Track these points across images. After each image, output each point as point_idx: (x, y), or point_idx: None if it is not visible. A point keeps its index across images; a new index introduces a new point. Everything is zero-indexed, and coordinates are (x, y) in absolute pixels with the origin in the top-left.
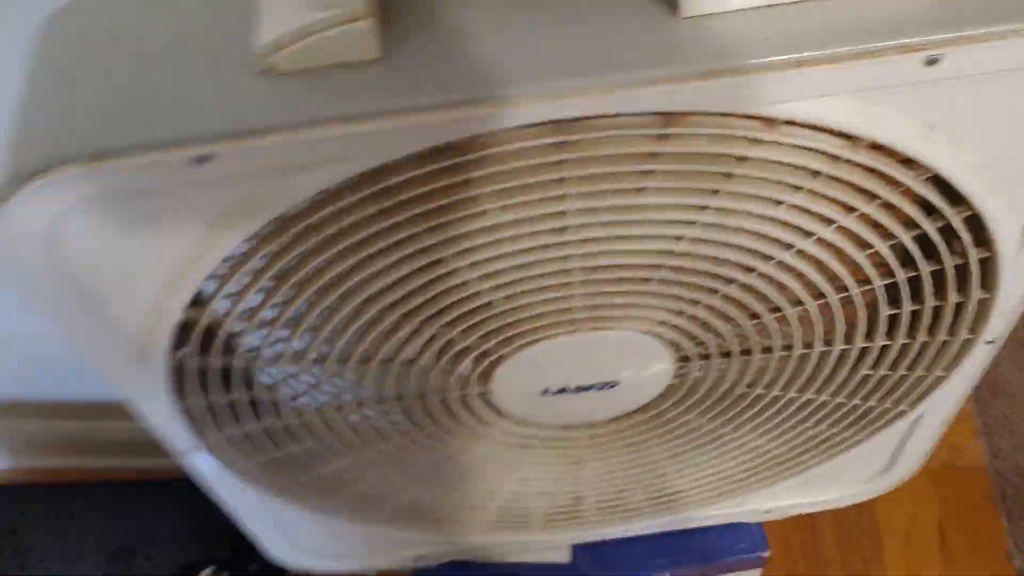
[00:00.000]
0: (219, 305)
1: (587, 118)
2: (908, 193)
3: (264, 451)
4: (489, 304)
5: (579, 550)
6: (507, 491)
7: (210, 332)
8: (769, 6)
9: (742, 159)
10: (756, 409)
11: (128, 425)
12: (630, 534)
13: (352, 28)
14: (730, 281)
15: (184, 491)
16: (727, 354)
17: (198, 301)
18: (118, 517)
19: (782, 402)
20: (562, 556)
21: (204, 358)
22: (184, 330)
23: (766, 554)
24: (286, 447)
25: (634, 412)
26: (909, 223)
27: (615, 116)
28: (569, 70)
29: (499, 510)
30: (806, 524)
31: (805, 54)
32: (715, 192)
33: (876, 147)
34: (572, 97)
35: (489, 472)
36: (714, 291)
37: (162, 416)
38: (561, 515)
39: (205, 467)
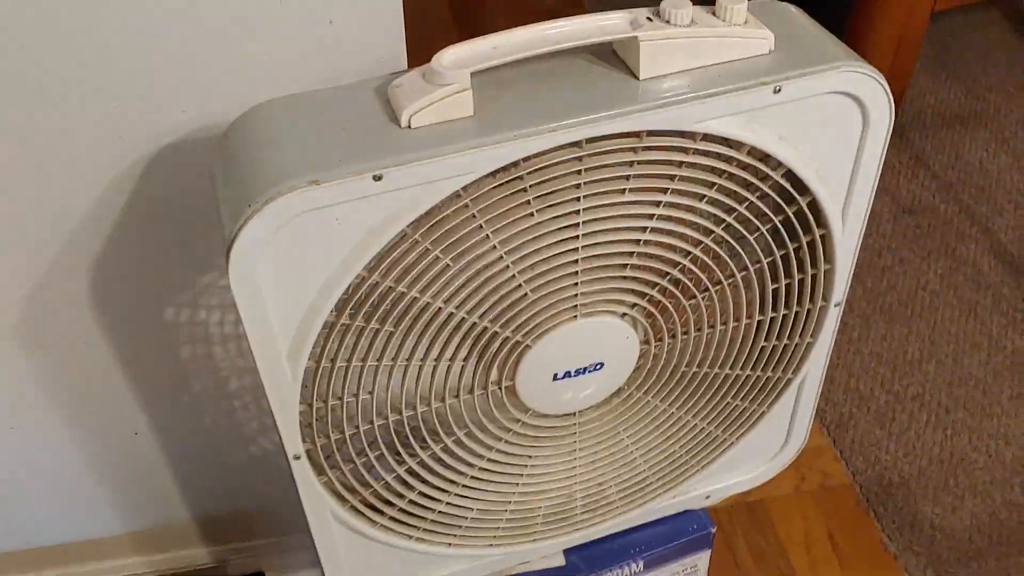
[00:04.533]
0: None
1: (593, 139)
2: (775, 186)
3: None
4: (524, 296)
5: (570, 553)
6: (517, 493)
7: (343, 335)
8: (686, 71)
9: (680, 164)
10: (694, 387)
11: None
12: (609, 532)
13: (457, 97)
14: (676, 264)
15: None
16: (673, 336)
17: (338, 308)
18: None
19: (710, 378)
20: (558, 560)
21: (334, 362)
22: (325, 334)
23: (713, 529)
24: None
25: (612, 396)
26: (777, 209)
27: (610, 137)
28: (583, 110)
29: (509, 515)
30: (726, 549)
31: (708, 91)
32: (665, 191)
33: (752, 152)
34: (584, 126)
35: (507, 471)
36: (666, 274)
37: (288, 415)
38: (556, 516)
39: (301, 475)
